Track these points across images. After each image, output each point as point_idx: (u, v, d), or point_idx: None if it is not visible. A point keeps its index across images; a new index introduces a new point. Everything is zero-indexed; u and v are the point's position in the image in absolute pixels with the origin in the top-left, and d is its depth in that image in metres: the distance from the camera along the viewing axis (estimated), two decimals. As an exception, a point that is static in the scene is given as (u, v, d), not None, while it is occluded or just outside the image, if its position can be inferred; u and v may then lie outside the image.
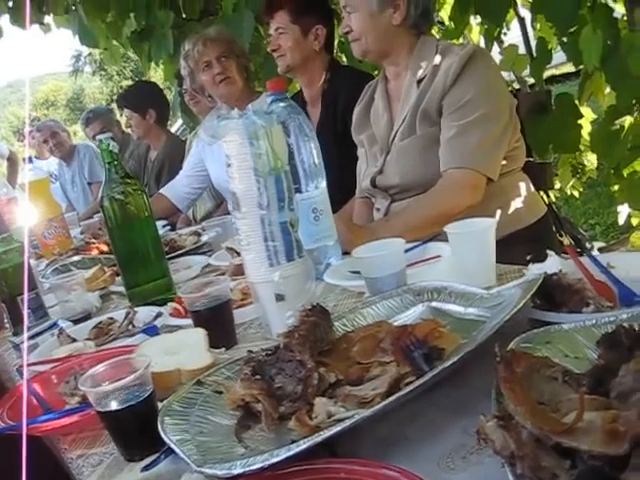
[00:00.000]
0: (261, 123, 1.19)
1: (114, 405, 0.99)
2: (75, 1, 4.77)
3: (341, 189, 2.13)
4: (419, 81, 2.00)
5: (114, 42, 4.90)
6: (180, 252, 2.19)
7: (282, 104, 1.57)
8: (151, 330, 1.47)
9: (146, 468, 0.93)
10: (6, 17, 5.22)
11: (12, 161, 6.00)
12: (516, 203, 2.04)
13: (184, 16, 4.63)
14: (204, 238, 2.36)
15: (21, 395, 1.31)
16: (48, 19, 5.33)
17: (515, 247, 1.51)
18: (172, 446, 0.89)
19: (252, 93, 2.97)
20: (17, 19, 5.03)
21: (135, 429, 1.00)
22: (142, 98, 4.16)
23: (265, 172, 1.20)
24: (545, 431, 0.65)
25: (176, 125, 7.40)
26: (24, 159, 3.36)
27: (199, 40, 2.92)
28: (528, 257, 1.24)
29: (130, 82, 27.14)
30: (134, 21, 4.50)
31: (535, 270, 1.16)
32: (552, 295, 1.10)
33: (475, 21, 3.83)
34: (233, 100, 2.89)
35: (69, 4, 4.88)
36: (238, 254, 1.90)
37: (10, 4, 5.03)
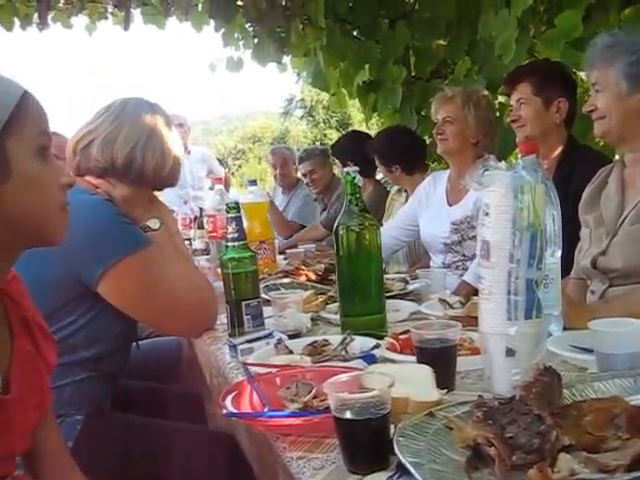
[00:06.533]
0: (528, 179, 1.22)
1: (350, 415, 1.03)
2: (315, 46, 5.08)
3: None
4: None
5: (343, 89, 5.17)
6: (389, 295, 2.24)
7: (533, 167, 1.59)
8: (369, 358, 1.51)
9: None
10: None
11: (225, 182, 6.41)
12: None
13: (413, 74, 4.81)
14: (411, 286, 2.40)
15: (244, 389, 1.39)
16: (286, 59, 5.72)
17: None
18: (408, 466, 0.92)
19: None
20: (259, 55, 5.44)
21: (366, 443, 1.03)
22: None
23: (523, 227, 1.22)
24: None
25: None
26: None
27: None
28: None
29: (335, 131, 28.13)
30: (367, 72, 4.72)
31: None
32: None
33: None
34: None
35: (309, 49, 5.21)
36: (451, 306, 1.93)
37: (255, 41, 5.45)
